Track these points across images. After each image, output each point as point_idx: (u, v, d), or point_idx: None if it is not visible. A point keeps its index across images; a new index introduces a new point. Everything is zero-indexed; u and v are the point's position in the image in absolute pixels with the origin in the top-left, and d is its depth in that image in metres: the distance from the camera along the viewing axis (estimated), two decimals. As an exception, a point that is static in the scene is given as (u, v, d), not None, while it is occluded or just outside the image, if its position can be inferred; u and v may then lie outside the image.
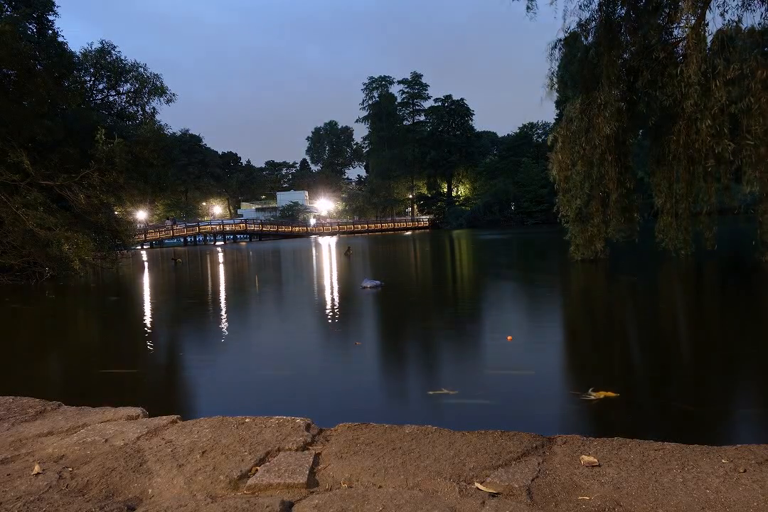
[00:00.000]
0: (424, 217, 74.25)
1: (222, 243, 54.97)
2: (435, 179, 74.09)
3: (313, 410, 3.73)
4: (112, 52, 21.17)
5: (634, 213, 14.63)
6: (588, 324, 7.66)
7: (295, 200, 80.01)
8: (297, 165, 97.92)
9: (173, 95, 21.78)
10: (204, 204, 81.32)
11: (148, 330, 8.15)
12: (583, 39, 15.00)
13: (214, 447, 2.47)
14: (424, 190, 74.92)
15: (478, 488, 2.00)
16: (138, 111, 22.32)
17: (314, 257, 27.75)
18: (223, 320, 8.87)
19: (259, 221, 63.89)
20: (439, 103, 73.98)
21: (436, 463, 2.21)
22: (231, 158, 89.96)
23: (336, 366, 5.49)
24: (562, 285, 12.31)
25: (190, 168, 70.66)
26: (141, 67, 21.41)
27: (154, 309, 10.68)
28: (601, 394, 4.10)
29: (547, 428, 2.82)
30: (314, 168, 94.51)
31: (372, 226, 69.32)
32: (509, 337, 6.28)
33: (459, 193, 75.74)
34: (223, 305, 10.94)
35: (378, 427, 2.69)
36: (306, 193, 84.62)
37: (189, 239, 55.50)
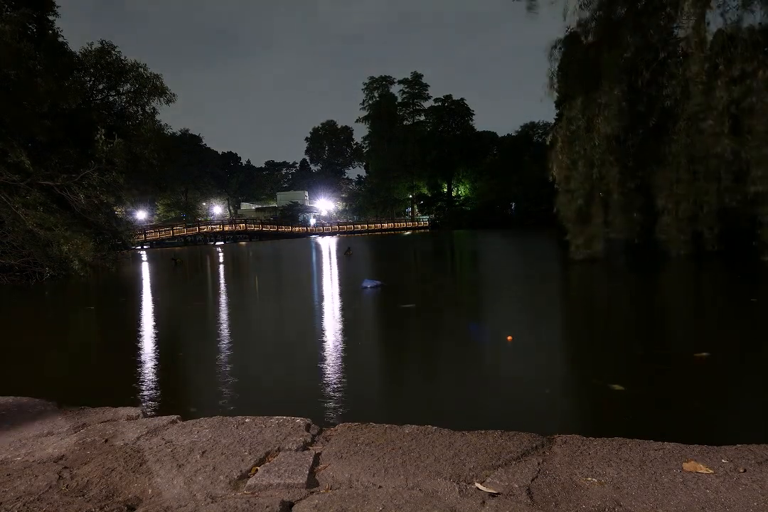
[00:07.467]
0: (424, 217, 74.19)
1: (222, 243, 54.94)
2: (435, 179, 73.95)
3: (313, 410, 3.73)
4: (112, 52, 21.14)
5: (634, 213, 14.58)
6: (587, 324, 7.66)
7: (295, 200, 79.94)
8: (297, 165, 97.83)
9: (173, 95, 21.76)
10: (204, 204, 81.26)
11: (148, 331, 8.15)
12: (583, 39, 14.99)
13: (214, 447, 2.47)
14: (424, 190, 74.78)
15: (478, 488, 2.00)
16: (138, 111, 22.27)
17: (314, 257, 27.74)
18: (223, 320, 8.87)
19: (259, 221, 63.89)
20: (439, 103, 73.94)
21: (436, 463, 2.20)
22: (231, 158, 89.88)
23: (336, 366, 5.48)
24: (561, 285, 12.31)
25: (190, 168, 70.56)
26: (141, 67, 21.38)
27: (153, 309, 10.68)
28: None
29: (547, 428, 2.82)
30: (314, 168, 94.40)
31: (372, 226, 69.29)
32: (509, 337, 6.28)
33: (459, 193, 75.61)
34: (222, 305, 10.94)
35: (378, 427, 2.69)
36: (306, 193, 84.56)
37: (189, 239, 55.48)
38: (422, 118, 76.02)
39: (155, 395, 4.79)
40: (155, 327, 8.49)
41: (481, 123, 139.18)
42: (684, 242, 13.46)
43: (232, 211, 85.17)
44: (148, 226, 52.69)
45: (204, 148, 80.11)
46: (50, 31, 19.75)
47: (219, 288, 14.51)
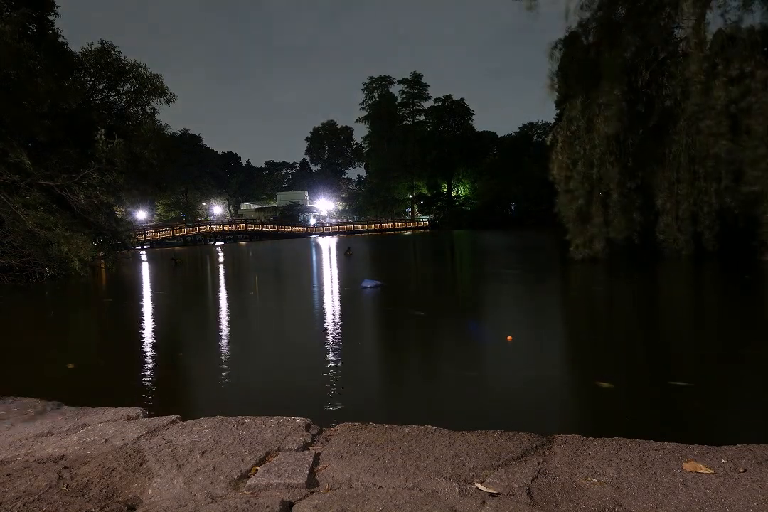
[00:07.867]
0: (424, 217, 74.24)
1: (222, 243, 54.96)
2: (435, 179, 74.00)
3: (313, 410, 3.72)
4: (112, 52, 21.15)
5: (634, 213, 14.59)
6: (587, 324, 7.66)
7: (295, 200, 79.99)
8: (297, 165, 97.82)
9: (173, 95, 21.78)
10: (204, 204, 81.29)
11: (148, 330, 8.15)
12: (583, 39, 15.00)
13: (214, 447, 2.47)
14: (424, 190, 74.80)
15: (478, 488, 2.00)
16: (138, 111, 22.28)
17: (314, 257, 27.74)
18: (223, 320, 8.87)
19: (259, 221, 63.94)
20: (439, 103, 73.95)
21: (436, 463, 2.20)
22: (231, 158, 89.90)
23: (336, 366, 5.48)
24: (561, 285, 12.31)
25: (190, 168, 70.59)
26: (141, 67, 21.39)
27: (153, 310, 10.68)
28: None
29: (547, 428, 2.82)
30: (314, 168, 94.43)
31: (372, 226, 69.34)
32: (509, 337, 6.28)
33: (459, 193, 75.66)
34: (222, 305, 10.94)
35: (378, 427, 2.69)
36: (306, 193, 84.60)
37: (189, 239, 55.49)
38: (422, 118, 76.10)
39: (155, 395, 4.79)
40: (155, 327, 8.49)
41: (481, 123, 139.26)
42: (684, 242, 13.50)
43: (232, 211, 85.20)
44: (148, 226, 52.70)
45: (204, 148, 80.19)
46: (50, 31, 19.74)
47: (219, 288, 14.50)
